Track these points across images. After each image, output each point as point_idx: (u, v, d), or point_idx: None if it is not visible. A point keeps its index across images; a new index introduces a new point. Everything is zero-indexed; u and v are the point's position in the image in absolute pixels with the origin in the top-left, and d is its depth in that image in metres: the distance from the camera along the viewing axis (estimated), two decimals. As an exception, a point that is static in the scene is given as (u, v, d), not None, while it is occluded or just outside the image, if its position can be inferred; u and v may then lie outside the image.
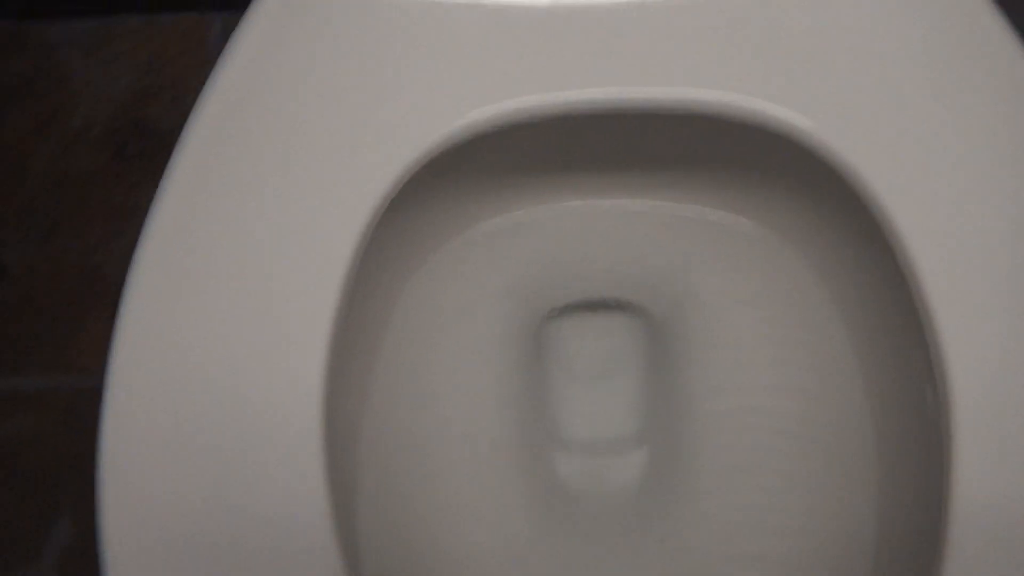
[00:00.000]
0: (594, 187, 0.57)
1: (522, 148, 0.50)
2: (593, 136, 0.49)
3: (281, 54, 0.46)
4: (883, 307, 0.49)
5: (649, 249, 0.59)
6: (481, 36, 0.46)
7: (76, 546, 0.81)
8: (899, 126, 0.45)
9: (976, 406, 0.42)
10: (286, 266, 0.44)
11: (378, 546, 0.51)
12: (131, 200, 0.87)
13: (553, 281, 0.60)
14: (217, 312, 0.44)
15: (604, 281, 0.60)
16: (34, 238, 0.86)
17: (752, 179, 0.55)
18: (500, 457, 0.57)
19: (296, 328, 0.44)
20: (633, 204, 0.58)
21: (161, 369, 0.43)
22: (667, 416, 0.58)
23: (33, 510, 0.82)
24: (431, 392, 0.57)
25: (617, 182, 0.57)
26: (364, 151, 0.45)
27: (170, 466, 0.42)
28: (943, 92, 0.45)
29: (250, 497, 0.42)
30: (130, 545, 0.42)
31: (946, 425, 0.42)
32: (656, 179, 0.57)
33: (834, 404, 0.54)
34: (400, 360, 0.56)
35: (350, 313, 0.45)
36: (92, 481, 0.43)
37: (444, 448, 0.56)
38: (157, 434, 0.43)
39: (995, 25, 0.45)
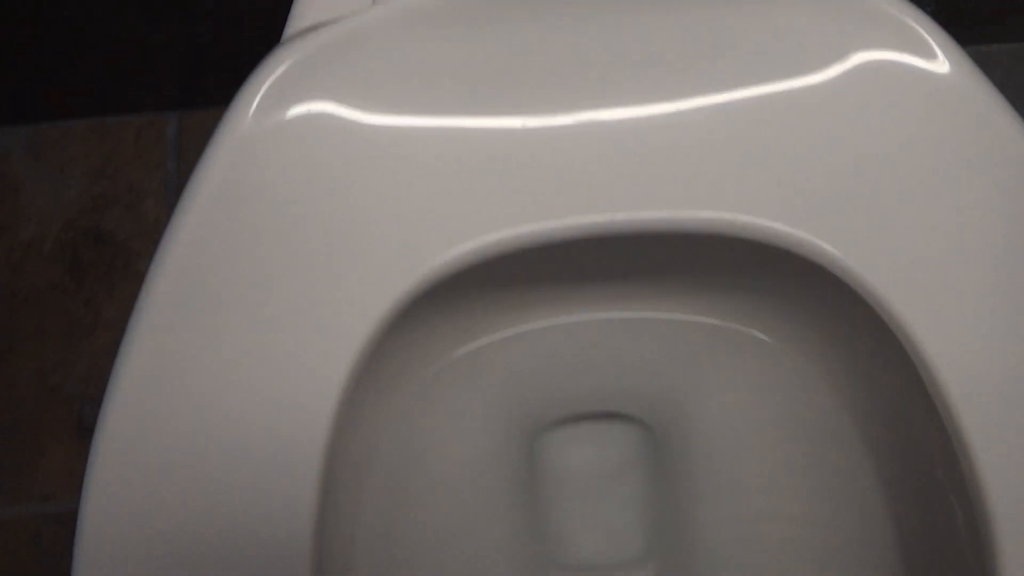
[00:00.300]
0: (590, 301, 0.54)
1: (512, 271, 0.47)
2: (591, 254, 0.46)
3: (247, 192, 0.42)
4: (902, 418, 0.47)
5: (648, 361, 0.56)
6: (460, 164, 0.43)
7: None
8: (916, 242, 0.42)
9: (1018, 531, 0.39)
10: (270, 408, 0.42)
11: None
12: (89, 316, 0.83)
13: (547, 397, 0.57)
14: (201, 450, 0.42)
15: (602, 395, 0.57)
16: (-12, 359, 0.82)
17: (756, 291, 0.52)
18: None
19: (286, 458, 0.41)
20: (628, 316, 0.55)
21: (140, 503, 0.41)
22: (673, 531, 0.55)
23: (-1, 649, 0.78)
24: (424, 515, 0.54)
25: (612, 295, 0.54)
26: (344, 293, 0.42)
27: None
28: (961, 207, 0.42)
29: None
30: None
31: (988, 547, 0.40)
32: (653, 291, 0.54)
33: (853, 518, 0.50)
34: (391, 483, 0.53)
35: (339, 445, 0.43)
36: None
37: (437, 573, 0.53)
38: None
39: (1017, 138, 0.43)
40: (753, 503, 0.54)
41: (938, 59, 0.43)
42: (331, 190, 0.43)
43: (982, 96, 0.43)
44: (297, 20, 0.48)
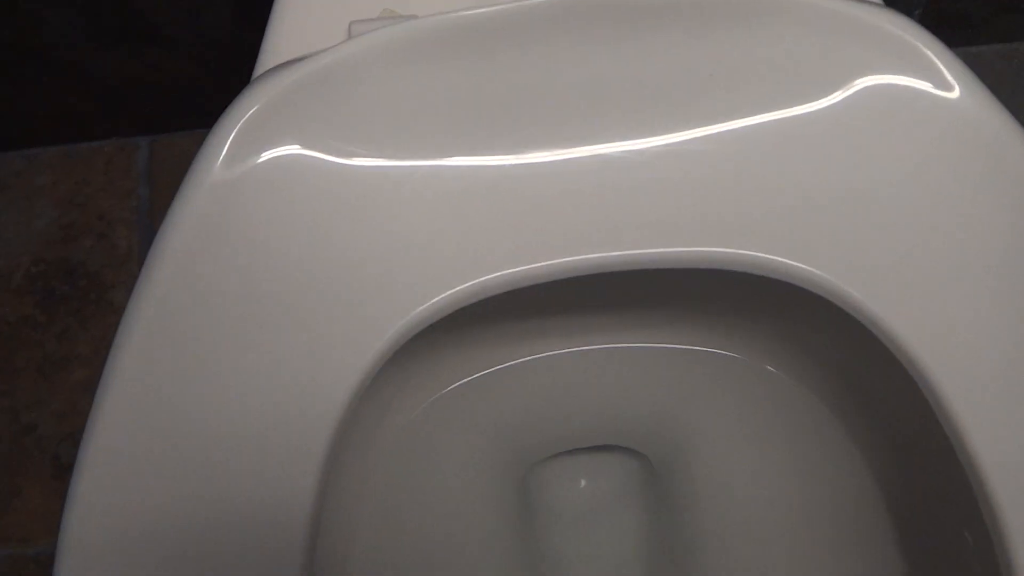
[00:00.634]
0: (581, 333, 0.53)
1: (504, 309, 0.45)
2: (583, 289, 0.44)
3: (219, 241, 0.40)
4: (912, 450, 0.45)
5: (644, 391, 0.55)
6: (445, 204, 0.41)
7: None
8: (927, 272, 0.40)
9: None
10: (255, 455, 0.40)
11: None
12: (62, 350, 0.80)
13: (542, 429, 0.55)
14: (182, 502, 0.40)
15: (597, 426, 0.56)
16: (-40, 397, 0.80)
17: (757, 321, 0.50)
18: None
19: (277, 495, 0.40)
20: (621, 347, 0.53)
21: (117, 549, 0.39)
22: (672, 563, 0.53)
23: None
24: (417, 552, 0.53)
25: (603, 326, 0.52)
26: (329, 341, 0.40)
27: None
28: (975, 237, 0.40)
29: None
30: None
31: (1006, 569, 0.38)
32: (647, 322, 0.52)
33: (860, 554, 0.49)
34: (382, 523, 0.51)
35: (329, 491, 0.41)
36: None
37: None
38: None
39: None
40: (755, 534, 0.52)
41: (948, 84, 0.41)
42: (308, 235, 0.40)
43: (994, 121, 0.41)
44: (268, 55, 0.45)
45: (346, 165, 0.40)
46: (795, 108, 0.41)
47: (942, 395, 0.39)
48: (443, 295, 0.40)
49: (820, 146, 0.41)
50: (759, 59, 0.41)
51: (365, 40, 0.42)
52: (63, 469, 0.77)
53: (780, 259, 0.40)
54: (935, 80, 0.41)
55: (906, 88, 0.41)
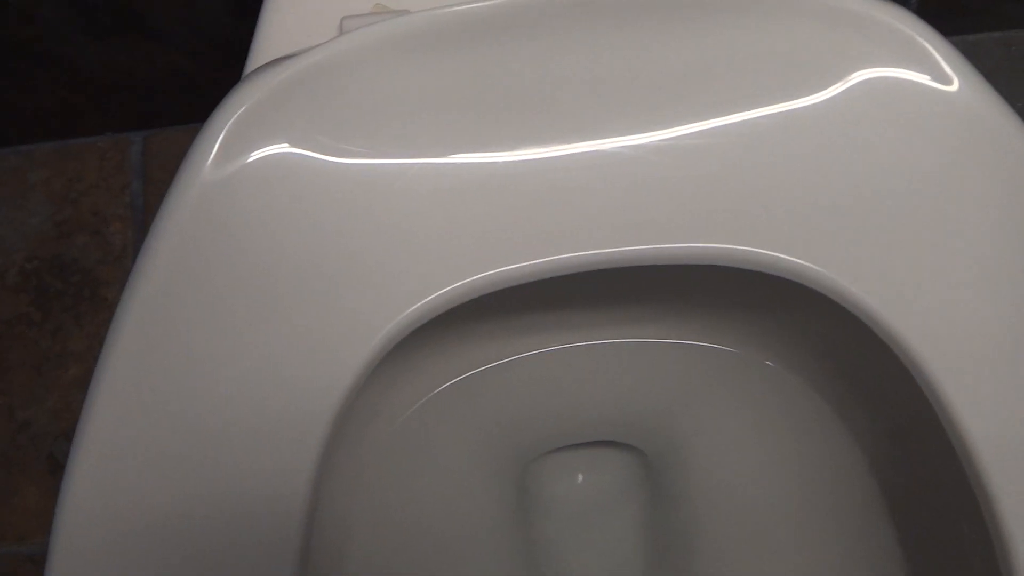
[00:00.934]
0: (579, 328, 0.52)
1: (502, 305, 0.44)
2: (580, 285, 0.44)
3: (210, 241, 0.40)
4: (909, 442, 0.44)
5: (641, 386, 0.54)
6: (439, 201, 0.40)
7: None
8: (926, 267, 0.40)
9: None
10: (249, 455, 0.40)
11: None
12: (56, 347, 0.80)
13: (540, 425, 0.55)
14: (175, 501, 0.39)
15: (594, 422, 0.55)
16: (-46, 396, 0.79)
17: (754, 316, 0.50)
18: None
19: (271, 493, 0.39)
20: (618, 342, 0.53)
21: (109, 546, 0.39)
22: (672, 559, 0.53)
23: None
24: (415, 550, 0.52)
25: (601, 322, 0.52)
26: (322, 339, 0.40)
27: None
28: (973, 230, 0.40)
29: None
30: None
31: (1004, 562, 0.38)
32: (645, 317, 0.52)
33: (859, 547, 0.48)
34: (379, 518, 0.51)
35: (323, 488, 0.41)
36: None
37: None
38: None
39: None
40: (752, 529, 0.52)
41: (947, 76, 0.41)
42: (301, 233, 0.40)
43: (993, 113, 0.40)
44: (260, 51, 0.45)
45: (338, 163, 0.40)
46: (792, 102, 0.41)
47: (938, 388, 0.39)
48: (437, 293, 0.40)
49: (818, 140, 0.40)
50: (756, 53, 0.41)
51: (357, 36, 0.41)
52: (58, 467, 0.77)
53: (777, 255, 0.40)
54: (933, 72, 0.40)
55: (904, 81, 0.40)
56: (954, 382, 0.39)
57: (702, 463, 0.53)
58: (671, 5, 0.41)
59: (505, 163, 0.41)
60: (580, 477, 0.59)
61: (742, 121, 0.40)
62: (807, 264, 0.40)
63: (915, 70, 0.40)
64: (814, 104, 0.41)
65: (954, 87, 0.40)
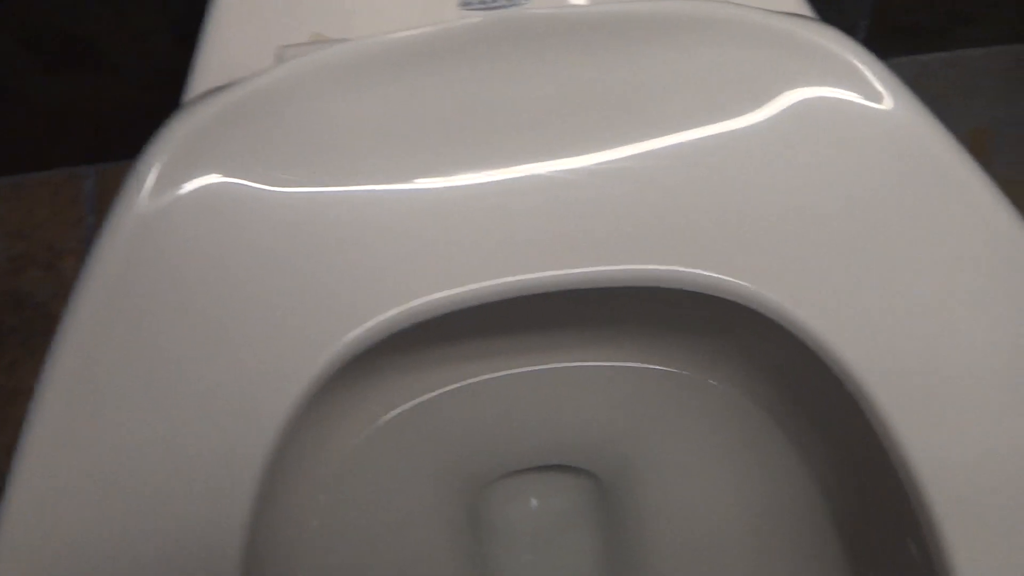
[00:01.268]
0: (526, 353, 0.52)
1: (442, 331, 0.44)
2: (522, 310, 0.44)
3: (145, 273, 0.39)
4: (852, 458, 0.45)
5: (590, 410, 0.54)
6: (377, 228, 0.40)
7: None
8: (858, 282, 0.40)
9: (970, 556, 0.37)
10: (185, 487, 0.39)
11: None
12: (11, 383, 0.79)
13: (489, 451, 0.54)
14: (109, 536, 0.39)
15: (545, 446, 0.55)
16: (-91, 433, 0.78)
17: (697, 337, 0.50)
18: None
19: (206, 537, 0.39)
20: (566, 367, 0.53)
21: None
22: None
23: None
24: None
25: (545, 347, 0.52)
26: (260, 368, 0.40)
27: None
28: (906, 245, 0.40)
29: None
30: None
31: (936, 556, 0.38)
32: (590, 340, 0.52)
33: (807, 559, 0.48)
34: (328, 546, 0.50)
35: (264, 517, 0.40)
36: None
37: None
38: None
39: (962, 172, 0.41)
40: (702, 548, 0.51)
41: (878, 95, 0.41)
42: (238, 262, 0.40)
43: (924, 130, 0.41)
44: (197, 80, 0.45)
45: (275, 192, 0.40)
46: (729, 122, 0.41)
47: (874, 401, 0.39)
48: (377, 319, 0.40)
49: (754, 159, 0.41)
50: (688, 76, 0.41)
51: (294, 65, 0.41)
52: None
53: (712, 274, 0.40)
54: (866, 91, 0.41)
55: (838, 100, 0.41)
56: (887, 392, 0.39)
57: (651, 484, 0.53)
58: (605, 31, 0.42)
59: (442, 189, 0.41)
60: (534, 501, 0.58)
61: (677, 143, 0.41)
62: (741, 283, 0.40)
63: (848, 89, 0.41)
64: (748, 125, 0.41)
65: (886, 105, 0.41)
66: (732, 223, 0.41)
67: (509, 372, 0.53)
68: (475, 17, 0.42)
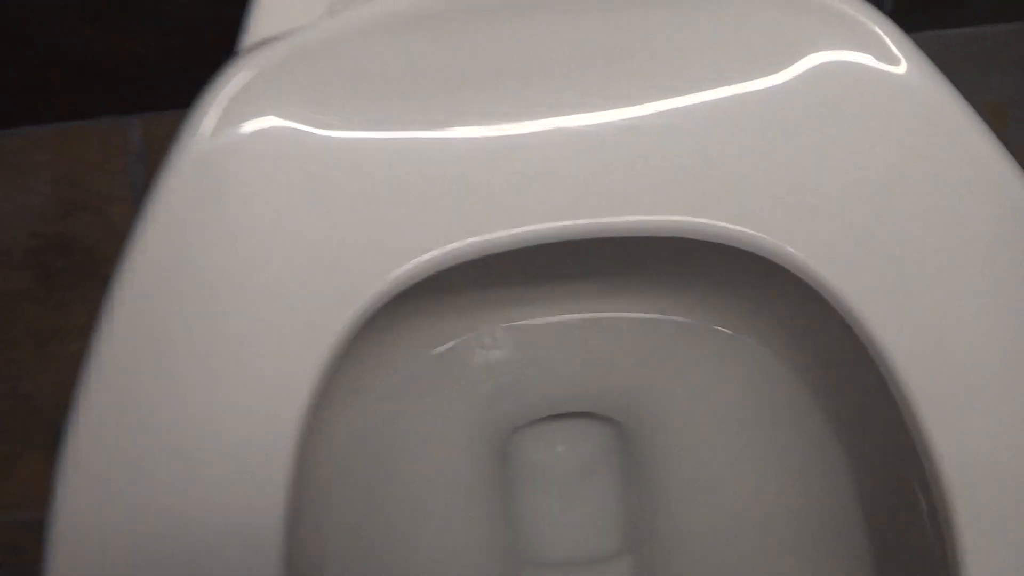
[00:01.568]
0: (558, 301, 0.55)
1: (478, 275, 0.47)
2: (554, 257, 0.46)
3: (205, 208, 0.42)
4: (866, 408, 0.47)
5: (616, 359, 0.57)
6: (420, 173, 0.43)
7: None
8: (873, 238, 0.43)
9: (975, 514, 0.40)
10: (237, 412, 0.42)
11: None
12: (59, 322, 0.83)
13: (519, 397, 0.57)
14: (168, 450, 0.42)
15: (572, 394, 0.58)
16: (-40, 370, 0.82)
17: (720, 288, 0.53)
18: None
19: (256, 460, 0.42)
20: (595, 317, 0.56)
21: (109, 500, 0.41)
22: (647, 524, 0.56)
23: (-22, 656, 0.78)
24: (396, 514, 0.55)
25: (579, 295, 0.55)
26: (307, 302, 0.42)
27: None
28: (919, 205, 0.43)
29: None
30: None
31: (947, 533, 0.41)
32: (618, 291, 0.54)
33: (822, 506, 0.51)
34: (363, 483, 0.54)
35: (309, 445, 0.43)
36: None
37: (409, 571, 0.54)
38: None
39: (973, 135, 0.43)
40: (724, 493, 0.54)
41: (895, 58, 0.43)
42: (290, 202, 0.43)
43: (940, 95, 0.43)
44: (252, 32, 0.48)
45: (327, 136, 0.43)
46: (750, 82, 0.43)
47: (886, 352, 0.42)
48: (416, 260, 0.43)
49: (773, 118, 0.43)
50: (711, 37, 0.44)
51: (344, 17, 0.44)
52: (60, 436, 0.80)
53: (736, 227, 0.43)
54: (882, 55, 0.43)
55: (855, 64, 0.43)
56: (900, 343, 0.42)
57: (671, 431, 0.56)
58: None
59: (480, 139, 0.43)
60: (560, 448, 0.61)
61: (700, 102, 0.43)
62: (763, 236, 0.43)
63: (865, 52, 0.43)
64: (770, 86, 0.43)
65: (902, 69, 0.43)
66: (753, 179, 0.43)
67: (542, 320, 0.56)
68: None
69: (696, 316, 0.56)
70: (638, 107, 0.43)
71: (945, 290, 0.42)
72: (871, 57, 0.43)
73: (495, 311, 0.56)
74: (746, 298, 0.53)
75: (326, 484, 0.50)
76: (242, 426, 0.42)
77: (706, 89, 0.43)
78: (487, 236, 0.43)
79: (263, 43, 0.44)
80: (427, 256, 0.43)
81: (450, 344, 0.56)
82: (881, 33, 0.43)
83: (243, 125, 0.42)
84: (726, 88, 0.43)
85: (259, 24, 0.47)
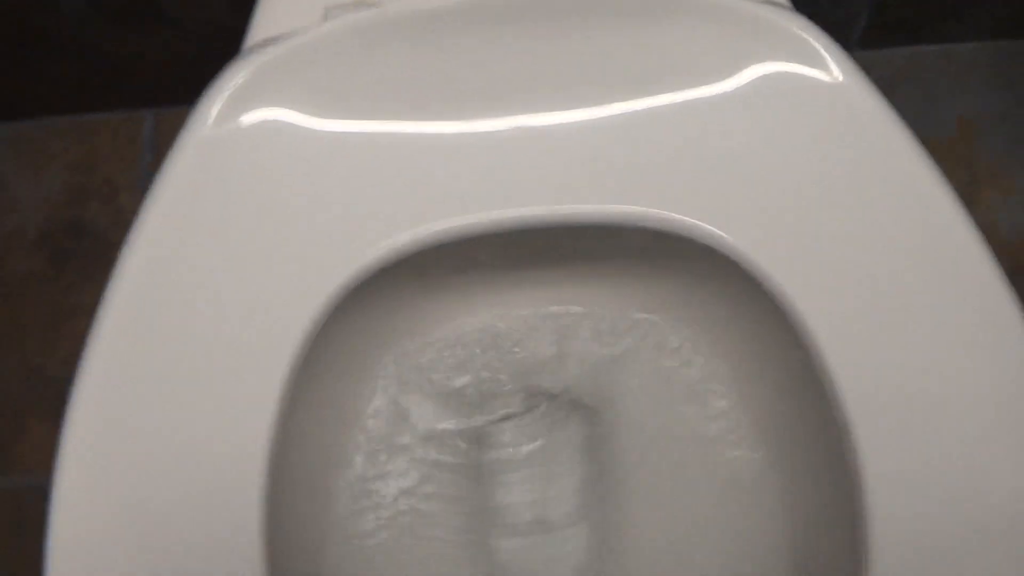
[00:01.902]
0: (526, 291, 0.60)
1: (447, 262, 0.51)
2: (519, 245, 0.51)
3: (207, 190, 0.47)
4: (789, 389, 0.52)
5: (584, 351, 0.61)
6: (401, 164, 0.48)
7: (29, 650, 0.81)
8: (803, 228, 0.47)
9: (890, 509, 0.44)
10: (227, 382, 0.46)
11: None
12: (69, 300, 0.87)
13: (489, 386, 0.61)
14: (164, 417, 0.46)
15: (540, 380, 0.62)
16: (-26, 343, 0.87)
17: (657, 277, 0.57)
18: (447, 548, 0.58)
19: (237, 435, 0.45)
20: (555, 309, 0.61)
21: (109, 468, 0.45)
22: (603, 498, 0.60)
23: (-17, 616, 0.82)
24: (375, 491, 0.59)
25: (547, 286, 0.59)
26: (286, 281, 0.47)
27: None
28: (845, 199, 0.47)
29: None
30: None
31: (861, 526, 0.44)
32: (578, 282, 0.59)
33: (748, 492, 0.56)
34: (342, 464, 0.58)
35: (287, 423, 0.47)
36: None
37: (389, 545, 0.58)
38: (104, 532, 0.44)
39: (897, 138, 0.47)
40: (664, 468, 0.58)
41: (829, 68, 0.48)
42: (282, 188, 0.47)
43: (868, 102, 0.47)
44: (255, 33, 0.52)
45: (319, 129, 0.47)
46: (699, 89, 0.48)
47: (801, 319, 0.46)
48: (389, 243, 0.47)
49: (720, 122, 0.47)
50: (671, 47, 0.48)
51: (338, 23, 0.49)
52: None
53: (679, 216, 0.47)
54: (820, 66, 0.48)
55: (794, 74, 0.48)
56: (815, 311, 0.46)
57: (629, 415, 0.60)
58: (598, 10, 0.49)
59: (455, 134, 0.48)
60: (531, 430, 0.64)
61: (654, 106, 0.48)
62: (704, 225, 0.47)
63: (805, 65, 0.48)
64: (716, 93, 0.48)
65: (836, 77, 0.48)
66: (697, 175, 0.47)
67: (512, 312, 0.60)
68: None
69: (646, 311, 0.60)
70: (595, 109, 0.48)
71: (870, 275, 0.46)
72: (809, 68, 0.48)
73: (470, 310, 0.61)
74: (680, 286, 0.57)
75: (305, 467, 0.54)
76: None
77: (658, 94, 0.48)
78: (450, 222, 0.47)
79: (263, 44, 0.49)
80: (400, 237, 0.47)
81: (426, 340, 0.61)
82: (820, 48, 0.48)
83: (243, 115, 0.47)
84: (676, 94, 0.48)
85: (260, 27, 0.52)
